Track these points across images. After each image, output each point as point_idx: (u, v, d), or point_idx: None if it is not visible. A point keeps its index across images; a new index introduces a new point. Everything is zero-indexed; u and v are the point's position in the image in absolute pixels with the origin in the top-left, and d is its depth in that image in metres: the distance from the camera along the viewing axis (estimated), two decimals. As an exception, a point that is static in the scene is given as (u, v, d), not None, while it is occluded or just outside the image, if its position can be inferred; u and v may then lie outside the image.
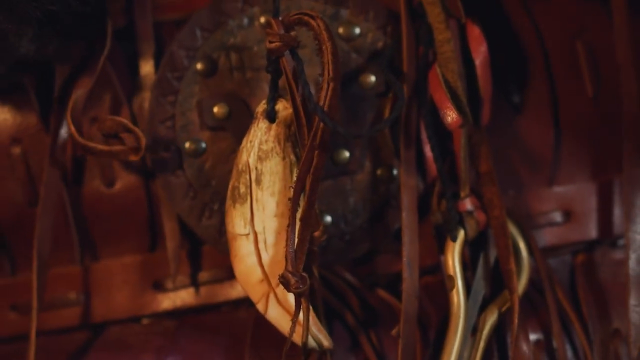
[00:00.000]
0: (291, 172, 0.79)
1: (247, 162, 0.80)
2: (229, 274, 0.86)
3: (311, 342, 0.78)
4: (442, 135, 0.85)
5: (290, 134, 0.80)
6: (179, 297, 0.90)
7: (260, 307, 0.79)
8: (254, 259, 0.79)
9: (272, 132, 0.80)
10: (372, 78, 0.86)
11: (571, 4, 0.89)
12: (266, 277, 0.79)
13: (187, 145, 0.87)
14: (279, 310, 0.79)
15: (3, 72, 0.85)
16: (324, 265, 0.87)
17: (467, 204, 0.85)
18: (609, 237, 0.90)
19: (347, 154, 0.86)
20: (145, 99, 0.89)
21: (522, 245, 0.86)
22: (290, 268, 0.75)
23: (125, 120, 0.83)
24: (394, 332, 0.82)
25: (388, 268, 0.89)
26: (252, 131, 0.81)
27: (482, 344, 0.83)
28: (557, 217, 0.90)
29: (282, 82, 0.79)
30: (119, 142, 0.83)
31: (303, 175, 0.75)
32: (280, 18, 0.78)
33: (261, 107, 0.81)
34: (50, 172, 0.87)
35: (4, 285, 0.92)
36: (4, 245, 0.91)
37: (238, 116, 0.87)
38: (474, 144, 0.86)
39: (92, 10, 0.84)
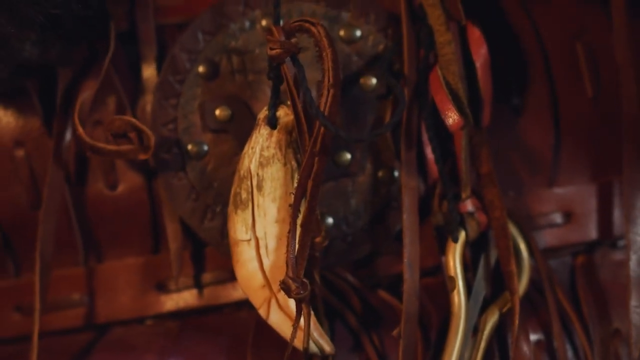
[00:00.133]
0: (292, 178, 0.80)
1: (249, 168, 0.80)
2: (232, 276, 0.86)
3: (313, 348, 0.78)
4: (443, 137, 0.85)
5: (292, 141, 0.80)
6: (182, 299, 0.90)
7: (262, 312, 0.80)
8: (255, 264, 0.80)
9: (274, 139, 0.80)
10: (373, 80, 0.86)
11: (571, 6, 0.89)
12: (268, 283, 0.79)
13: (189, 147, 0.87)
14: (281, 316, 0.79)
15: (6, 76, 0.85)
16: (325, 266, 0.87)
17: (468, 205, 0.85)
18: (609, 238, 0.90)
19: (348, 156, 0.86)
20: (148, 101, 0.89)
21: (522, 246, 0.86)
22: (291, 274, 0.75)
23: (134, 119, 0.83)
24: (395, 332, 0.82)
25: (389, 269, 0.89)
26: (253, 137, 0.81)
27: (483, 345, 0.84)
28: (558, 218, 0.90)
29: (283, 86, 0.79)
30: (127, 142, 0.83)
31: (304, 180, 0.75)
32: (281, 24, 0.78)
33: (263, 113, 0.81)
34: (53, 174, 0.87)
35: (8, 287, 0.92)
36: (8, 246, 0.91)
37: (240, 119, 0.87)
38: (474, 146, 0.86)
39: (95, 14, 0.85)
